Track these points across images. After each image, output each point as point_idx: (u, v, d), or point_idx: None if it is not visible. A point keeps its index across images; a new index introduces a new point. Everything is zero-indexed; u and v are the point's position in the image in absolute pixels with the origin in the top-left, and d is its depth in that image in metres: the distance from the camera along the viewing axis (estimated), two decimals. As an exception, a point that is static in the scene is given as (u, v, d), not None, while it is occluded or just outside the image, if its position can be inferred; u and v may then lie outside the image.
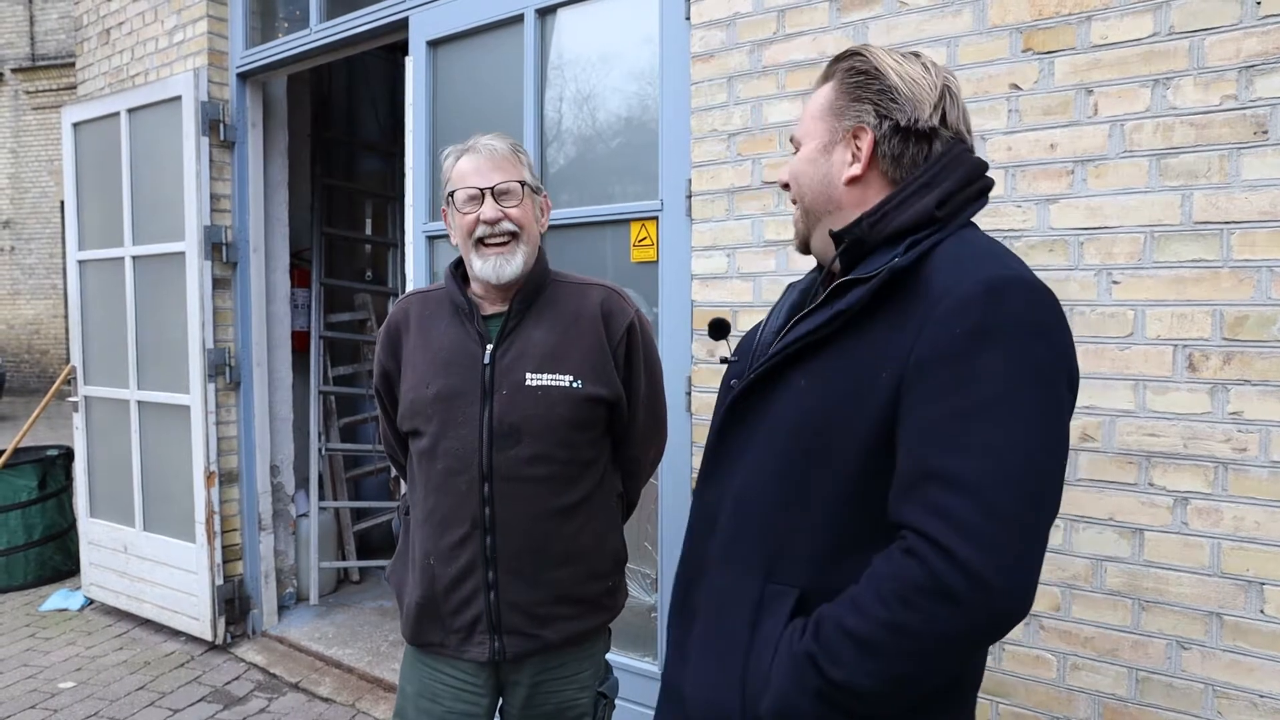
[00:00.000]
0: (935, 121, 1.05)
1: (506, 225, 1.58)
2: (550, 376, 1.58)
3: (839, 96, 1.09)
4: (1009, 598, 0.85)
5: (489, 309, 1.65)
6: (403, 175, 5.15)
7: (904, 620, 0.87)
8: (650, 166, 2.54)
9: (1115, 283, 1.72)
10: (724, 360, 1.30)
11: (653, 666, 2.58)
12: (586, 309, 1.65)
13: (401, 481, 1.85)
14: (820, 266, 1.22)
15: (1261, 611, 1.61)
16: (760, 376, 1.07)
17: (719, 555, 1.11)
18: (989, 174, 1.08)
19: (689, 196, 2.37)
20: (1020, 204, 1.81)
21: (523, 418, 1.56)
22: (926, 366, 0.92)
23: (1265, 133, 1.57)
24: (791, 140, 1.18)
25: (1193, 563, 1.67)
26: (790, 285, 1.30)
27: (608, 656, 1.79)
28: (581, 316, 1.65)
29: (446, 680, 1.66)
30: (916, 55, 1.10)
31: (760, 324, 1.26)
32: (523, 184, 1.61)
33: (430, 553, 1.62)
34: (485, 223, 1.57)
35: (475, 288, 1.66)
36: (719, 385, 1.29)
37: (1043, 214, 1.79)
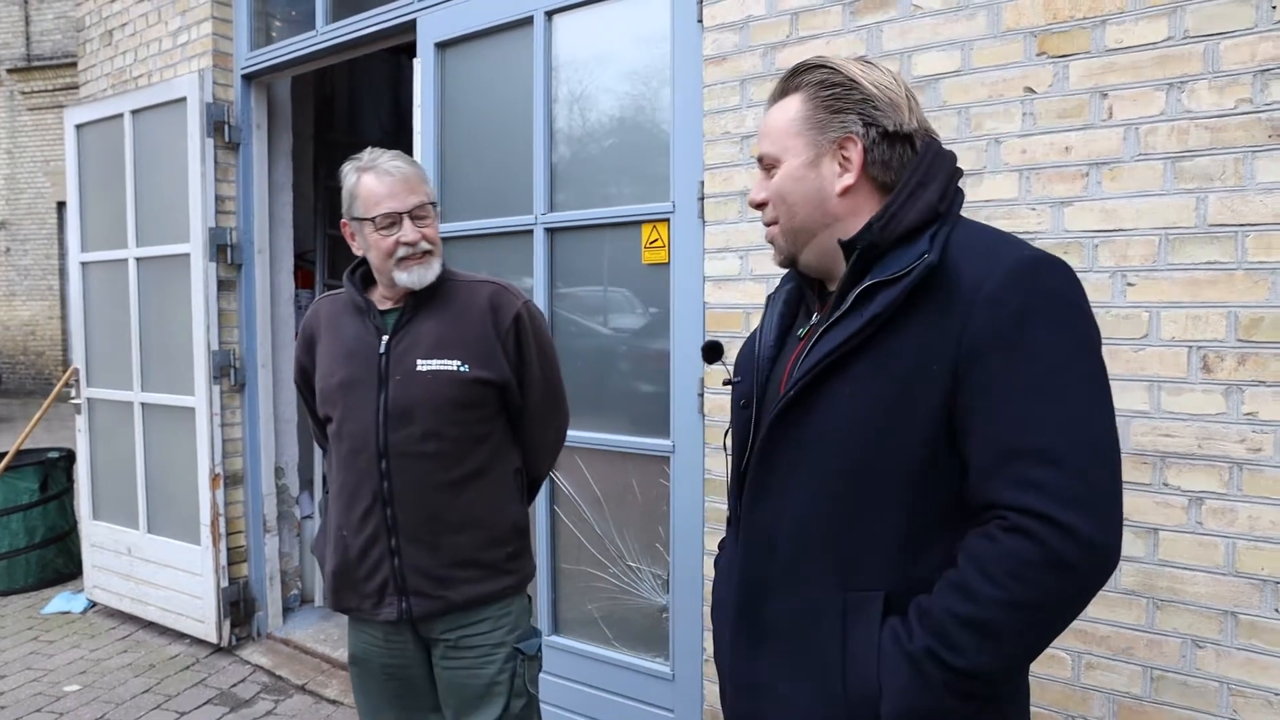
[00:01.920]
0: (915, 124, 1.09)
1: (423, 245, 1.73)
2: (440, 362, 1.74)
3: (816, 109, 1.10)
4: (1112, 552, 0.91)
5: (387, 305, 1.81)
6: (405, 177, 5.18)
7: (1021, 596, 0.90)
8: (661, 168, 2.55)
9: (1130, 285, 1.73)
10: (727, 383, 1.30)
11: (664, 667, 2.59)
12: (476, 303, 1.81)
13: None
14: (800, 273, 1.22)
15: (1276, 610, 1.63)
16: (798, 393, 1.07)
17: (784, 576, 1.10)
18: (962, 170, 1.12)
19: (701, 199, 2.38)
20: (1034, 206, 1.82)
21: (414, 400, 1.72)
22: (981, 352, 0.96)
23: (1279, 136, 1.59)
24: (760, 160, 1.17)
25: (1207, 562, 1.68)
26: (770, 298, 1.30)
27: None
28: (470, 309, 1.80)
29: (373, 639, 1.83)
30: (871, 62, 1.13)
31: (753, 339, 1.26)
32: (434, 204, 1.78)
33: (342, 524, 1.78)
34: (406, 244, 1.71)
35: (382, 290, 1.82)
36: (730, 405, 1.28)
37: (1057, 216, 1.80)
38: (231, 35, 3.75)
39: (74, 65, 4.22)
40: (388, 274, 1.75)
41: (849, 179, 1.09)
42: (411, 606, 1.74)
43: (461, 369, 1.74)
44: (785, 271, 1.26)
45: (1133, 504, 1.75)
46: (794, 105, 1.12)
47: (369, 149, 1.78)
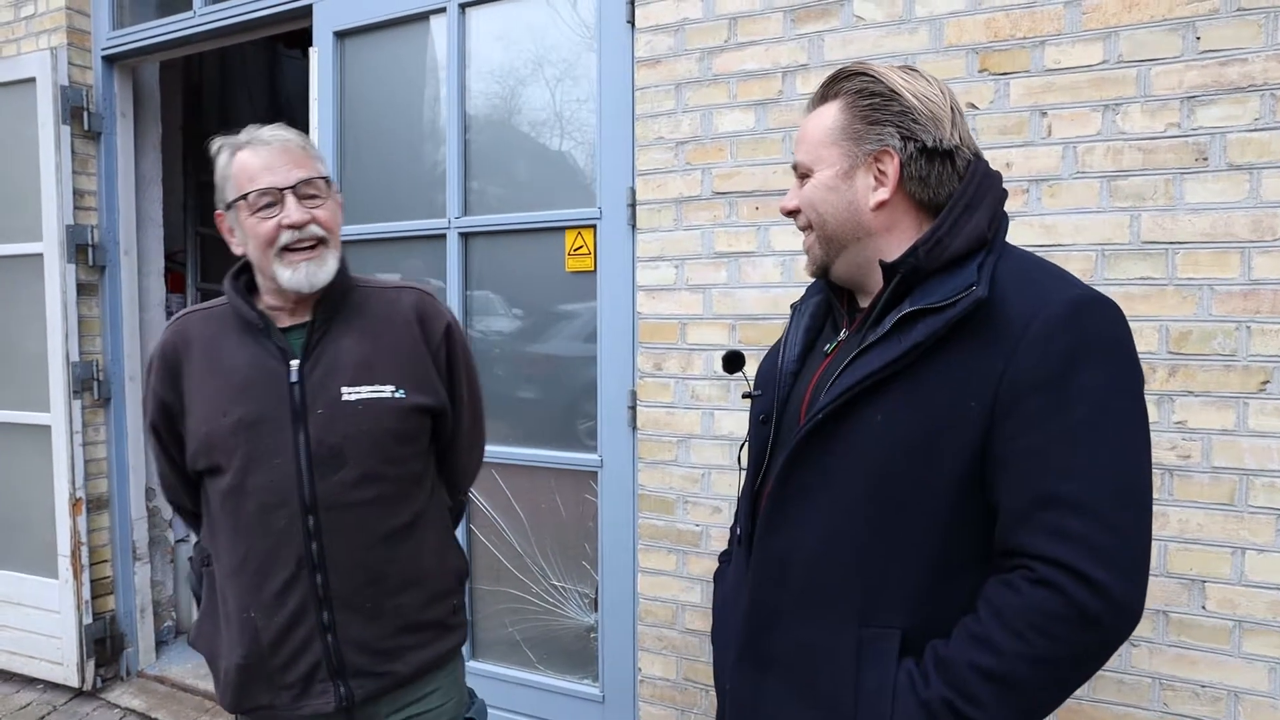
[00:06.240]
0: (956, 140, 1.05)
1: (314, 229, 1.40)
2: (370, 388, 1.45)
3: (853, 120, 1.07)
4: (1139, 609, 0.89)
5: (286, 321, 1.48)
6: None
7: (1045, 651, 0.88)
8: (586, 172, 2.46)
9: (1069, 298, 1.79)
10: (746, 395, 1.26)
11: (593, 689, 2.50)
12: (399, 313, 1.53)
13: (192, 530, 1.63)
14: (829, 284, 1.20)
15: (1203, 607, 1.71)
16: (827, 416, 1.02)
17: (797, 605, 1.06)
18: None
19: (632, 205, 2.30)
20: (977, 221, 1.85)
21: (344, 437, 1.42)
22: (1023, 393, 0.93)
23: (1205, 160, 1.67)
24: (795, 167, 1.14)
25: (1141, 564, 1.76)
26: (796, 307, 1.27)
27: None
28: (394, 322, 1.52)
29: None
30: (916, 70, 1.09)
31: (778, 351, 1.23)
32: (326, 179, 1.45)
33: (249, 605, 1.43)
34: (290, 227, 1.38)
35: (269, 299, 1.48)
36: (749, 419, 1.24)
37: (999, 231, 1.84)
38: (89, 11, 3.37)
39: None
40: (270, 272, 1.41)
41: (884, 194, 1.05)
42: (353, 691, 1.44)
43: (397, 394, 1.46)
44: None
45: (1070, 510, 1.80)
46: (830, 114, 1.09)
47: (248, 126, 1.45)
